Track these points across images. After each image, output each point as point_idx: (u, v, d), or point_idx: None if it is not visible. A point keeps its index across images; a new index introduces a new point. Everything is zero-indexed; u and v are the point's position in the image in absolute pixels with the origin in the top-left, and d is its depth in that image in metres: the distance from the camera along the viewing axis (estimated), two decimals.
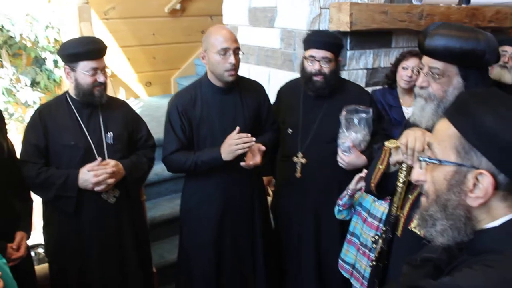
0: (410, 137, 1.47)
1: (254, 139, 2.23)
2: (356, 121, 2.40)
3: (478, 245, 0.92)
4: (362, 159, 2.42)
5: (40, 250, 3.04)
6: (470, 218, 0.94)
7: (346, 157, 2.42)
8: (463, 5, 3.50)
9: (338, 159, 2.46)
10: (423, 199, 1.03)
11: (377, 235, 1.82)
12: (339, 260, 2.54)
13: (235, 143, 2.22)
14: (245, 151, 2.24)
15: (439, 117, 1.48)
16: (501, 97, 0.93)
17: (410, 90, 2.92)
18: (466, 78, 1.49)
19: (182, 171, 2.46)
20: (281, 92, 2.78)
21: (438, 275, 0.99)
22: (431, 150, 0.98)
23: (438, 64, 1.50)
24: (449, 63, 1.48)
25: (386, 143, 1.58)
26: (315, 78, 2.44)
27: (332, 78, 2.45)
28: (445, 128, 0.96)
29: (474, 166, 0.90)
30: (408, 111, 2.91)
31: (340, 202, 2.46)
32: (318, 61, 2.41)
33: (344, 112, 2.40)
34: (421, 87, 1.57)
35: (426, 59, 1.56)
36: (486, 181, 0.88)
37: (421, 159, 1.00)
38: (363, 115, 2.39)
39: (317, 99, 2.54)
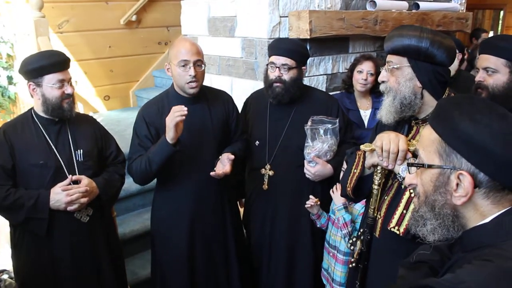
0: (385, 140, 1.54)
1: (185, 109, 2.11)
2: (321, 131, 2.40)
3: (472, 242, 0.99)
4: (328, 169, 2.45)
5: (5, 276, 2.90)
6: (457, 215, 1.01)
7: (312, 168, 2.44)
8: (413, 11, 3.68)
9: (305, 170, 2.47)
10: (415, 200, 1.10)
11: (354, 236, 1.86)
12: (322, 269, 2.58)
13: (168, 120, 2.12)
14: (182, 119, 2.12)
15: (395, 109, 1.62)
16: (474, 103, 1.02)
17: (366, 94, 3.03)
18: (417, 70, 1.63)
19: (143, 175, 2.31)
20: (248, 103, 2.78)
21: (434, 275, 1.05)
22: (418, 156, 1.06)
23: (393, 58, 1.68)
24: (400, 55, 1.65)
25: (362, 146, 1.63)
26: (275, 84, 2.45)
27: (291, 86, 2.45)
28: (428, 134, 1.04)
29: (455, 167, 0.98)
30: (365, 114, 3.03)
31: (311, 216, 2.51)
32: (277, 68, 2.43)
33: (309, 123, 2.40)
34: (382, 82, 1.71)
35: (387, 57, 1.71)
36: (466, 180, 0.96)
37: (409, 163, 1.07)
38: (329, 125, 2.40)
39: (283, 109, 2.55)
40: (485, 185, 0.96)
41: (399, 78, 1.64)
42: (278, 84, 2.44)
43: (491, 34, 6.89)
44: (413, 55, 1.62)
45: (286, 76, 2.43)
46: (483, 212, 0.98)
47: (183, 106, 2.14)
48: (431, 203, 1.03)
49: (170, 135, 2.15)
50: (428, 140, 1.04)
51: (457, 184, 0.98)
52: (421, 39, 1.59)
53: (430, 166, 1.02)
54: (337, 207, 2.34)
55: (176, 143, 2.18)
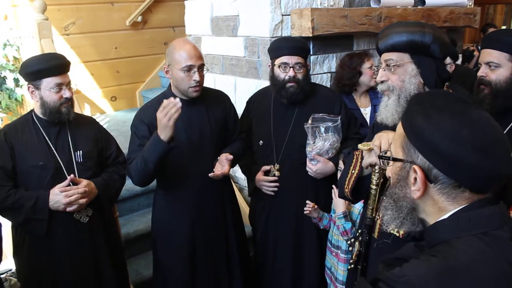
0: (383, 139, 1.50)
1: (179, 102, 2.03)
2: (322, 129, 2.39)
3: (432, 238, 1.00)
4: (329, 166, 2.44)
5: (11, 276, 2.93)
6: (415, 209, 1.04)
7: (314, 166, 2.43)
8: (419, 7, 3.63)
9: (307, 168, 2.47)
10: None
11: (353, 237, 1.84)
12: (325, 268, 2.56)
13: (161, 116, 2.03)
14: (175, 119, 2.03)
15: (402, 108, 1.55)
16: (437, 98, 1.02)
17: (365, 92, 3.02)
18: (420, 65, 1.58)
19: (142, 174, 2.23)
20: (251, 102, 2.75)
21: None
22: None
23: (392, 55, 1.61)
24: (401, 52, 1.59)
25: (359, 146, 1.60)
26: (289, 84, 2.42)
27: (305, 83, 2.46)
28: (399, 127, 1.06)
29: (413, 161, 1.00)
30: (366, 112, 3.00)
31: (313, 220, 2.49)
32: (292, 68, 2.40)
33: (309, 121, 2.38)
34: (381, 82, 1.65)
35: (382, 56, 1.66)
36: (419, 175, 0.98)
37: (379, 156, 1.09)
38: (330, 123, 2.38)
39: (288, 107, 2.53)
40: (440, 181, 0.97)
41: (402, 75, 1.59)
42: (292, 83, 2.42)
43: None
44: (415, 51, 1.57)
45: (300, 75, 2.43)
46: (441, 207, 0.99)
47: (175, 100, 2.03)
48: (392, 195, 1.07)
49: (166, 134, 2.06)
50: (397, 133, 1.06)
51: (415, 178, 0.99)
52: (424, 33, 1.55)
53: (394, 160, 1.05)
54: (337, 215, 2.32)
55: (170, 139, 2.10)
